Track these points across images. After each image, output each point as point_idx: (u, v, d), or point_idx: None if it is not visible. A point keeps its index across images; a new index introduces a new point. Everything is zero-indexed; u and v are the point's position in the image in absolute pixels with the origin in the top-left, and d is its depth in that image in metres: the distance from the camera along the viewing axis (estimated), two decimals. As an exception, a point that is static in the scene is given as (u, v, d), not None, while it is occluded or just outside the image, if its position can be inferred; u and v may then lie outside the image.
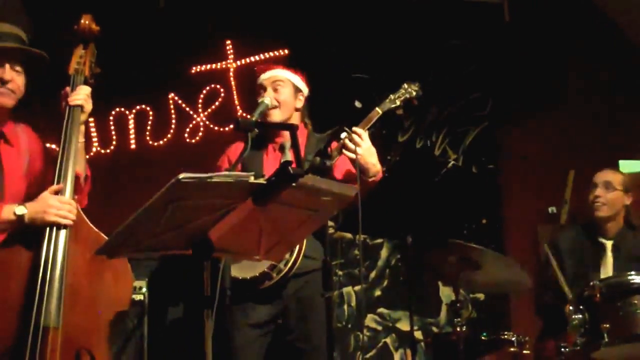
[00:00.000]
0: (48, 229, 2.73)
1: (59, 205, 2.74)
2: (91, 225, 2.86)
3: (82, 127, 2.99)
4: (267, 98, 3.38)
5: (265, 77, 3.63)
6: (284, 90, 3.60)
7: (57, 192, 2.80)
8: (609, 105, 5.88)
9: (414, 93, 3.52)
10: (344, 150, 3.32)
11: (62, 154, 2.87)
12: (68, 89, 3.01)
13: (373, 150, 3.38)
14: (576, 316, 3.58)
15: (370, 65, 5.76)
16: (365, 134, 3.34)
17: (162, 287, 4.55)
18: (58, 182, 2.82)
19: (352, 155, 3.28)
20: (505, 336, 3.95)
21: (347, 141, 3.30)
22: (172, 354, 4.54)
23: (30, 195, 2.92)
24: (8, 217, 2.71)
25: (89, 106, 3.00)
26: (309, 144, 3.60)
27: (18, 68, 2.90)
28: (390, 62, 5.62)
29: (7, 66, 2.86)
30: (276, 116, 3.56)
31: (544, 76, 5.88)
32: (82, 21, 3.11)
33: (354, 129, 3.34)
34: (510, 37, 5.90)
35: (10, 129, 2.96)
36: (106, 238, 2.74)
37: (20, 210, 2.72)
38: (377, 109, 3.47)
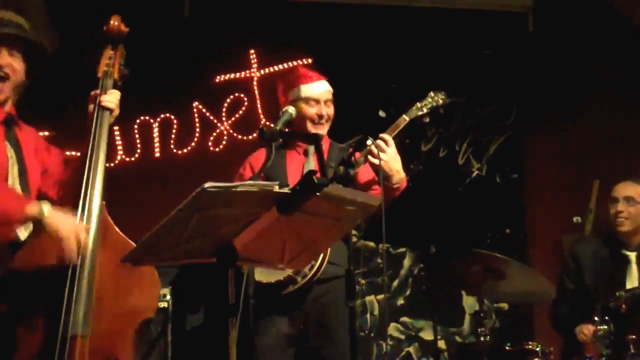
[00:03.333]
0: (82, 192, 2.73)
1: (75, 237, 2.66)
2: (119, 231, 2.83)
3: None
4: (292, 108, 3.39)
5: (320, 90, 3.60)
6: (332, 106, 3.63)
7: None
8: (634, 113, 5.83)
9: (441, 102, 3.54)
10: (369, 156, 3.33)
11: (90, 159, 2.82)
12: (97, 91, 2.97)
13: (398, 157, 3.38)
14: (602, 327, 3.56)
15: (393, 74, 5.76)
16: (391, 141, 3.35)
17: (186, 295, 4.57)
18: (85, 192, 2.76)
19: (377, 162, 3.29)
20: (530, 346, 3.93)
21: (372, 147, 3.31)
22: (196, 360, 4.56)
23: (46, 188, 2.93)
24: (33, 211, 2.65)
25: (117, 110, 2.98)
26: (331, 152, 3.62)
27: (15, 53, 2.85)
28: (413, 71, 5.62)
29: (4, 52, 2.82)
30: (324, 129, 3.60)
31: (568, 85, 5.84)
32: (111, 22, 3.09)
33: (381, 135, 3.35)
34: (534, 46, 5.88)
35: (17, 116, 2.94)
36: (133, 244, 2.73)
37: (47, 209, 2.66)
38: (404, 116, 3.48)
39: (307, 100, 3.57)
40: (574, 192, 5.76)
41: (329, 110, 3.60)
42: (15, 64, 2.84)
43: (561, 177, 5.84)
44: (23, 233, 2.68)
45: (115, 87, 3.02)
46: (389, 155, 3.32)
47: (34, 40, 2.90)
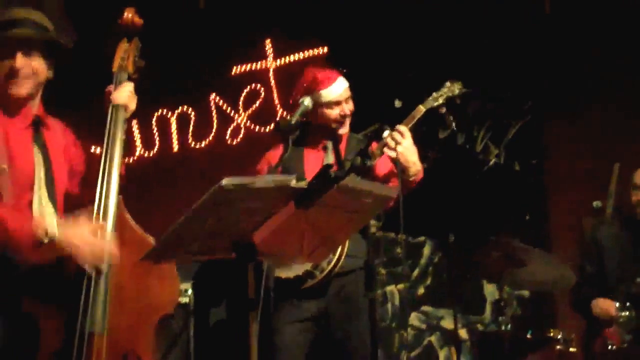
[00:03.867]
0: (97, 193, 2.71)
1: (94, 247, 2.63)
2: (136, 227, 2.82)
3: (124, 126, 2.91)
4: (308, 99, 3.37)
5: (339, 92, 3.55)
6: (351, 100, 3.61)
7: (101, 228, 2.68)
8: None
9: (457, 91, 3.53)
10: (385, 149, 3.33)
11: (105, 158, 2.81)
12: (111, 87, 2.95)
13: (414, 149, 3.38)
14: (623, 313, 3.54)
15: (409, 61, 5.73)
16: (407, 132, 3.35)
17: (207, 289, 4.60)
18: (101, 190, 2.75)
19: (393, 154, 3.28)
20: (552, 334, 3.92)
21: (389, 139, 3.31)
22: (218, 355, 4.58)
23: (70, 185, 2.92)
24: (38, 235, 2.60)
25: (132, 105, 2.93)
26: (349, 144, 3.62)
27: (34, 53, 2.77)
28: (429, 58, 5.58)
29: (19, 54, 2.74)
30: (346, 128, 3.58)
31: (586, 67, 5.78)
32: (125, 14, 3.05)
33: (397, 127, 3.35)
34: (551, 29, 5.83)
35: (43, 114, 2.90)
36: (150, 240, 2.75)
37: (52, 229, 2.62)
38: (420, 106, 3.47)
39: (329, 104, 3.53)
40: (594, 176, 5.72)
41: (350, 107, 3.59)
42: (35, 64, 2.79)
43: (581, 161, 5.79)
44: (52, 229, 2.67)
45: (130, 79, 2.99)
46: (405, 147, 3.32)
47: (53, 39, 2.86)
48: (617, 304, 3.63)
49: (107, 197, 2.77)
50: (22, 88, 2.77)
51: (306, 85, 3.57)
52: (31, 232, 2.61)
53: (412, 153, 3.36)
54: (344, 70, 3.72)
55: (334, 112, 3.54)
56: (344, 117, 3.55)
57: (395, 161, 3.29)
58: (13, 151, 2.73)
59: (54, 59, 2.86)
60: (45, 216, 2.74)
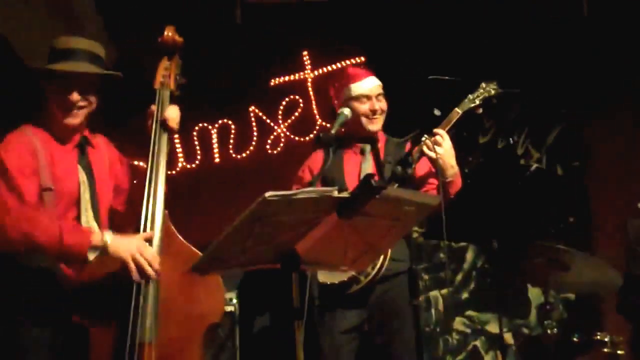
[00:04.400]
0: (143, 212, 2.78)
1: (143, 253, 2.71)
2: (182, 239, 2.88)
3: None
4: (347, 109, 3.41)
5: (370, 87, 3.64)
6: (384, 99, 3.65)
7: (147, 239, 2.77)
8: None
9: (493, 92, 3.54)
10: (424, 149, 3.35)
11: (150, 174, 2.87)
12: (153, 107, 3.00)
13: (452, 152, 3.41)
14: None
15: (447, 67, 5.71)
16: (445, 135, 3.37)
17: (252, 298, 4.64)
18: (145, 221, 2.82)
19: (433, 155, 3.32)
20: (598, 337, 3.89)
21: (428, 142, 3.34)
22: (264, 363, 4.62)
23: (115, 203, 2.99)
24: (97, 243, 2.69)
25: (177, 127, 3.01)
26: (388, 149, 3.64)
27: (88, 87, 2.85)
28: (467, 64, 5.57)
29: (76, 90, 2.82)
30: (379, 124, 3.63)
31: (626, 68, 5.73)
32: (166, 33, 3.11)
33: (435, 130, 3.38)
34: (589, 31, 5.78)
35: (90, 134, 2.98)
36: (197, 251, 2.79)
37: (108, 237, 2.70)
38: (456, 109, 3.49)
39: (358, 98, 3.60)
40: (637, 176, 5.66)
41: (381, 105, 3.63)
42: (91, 98, 2.87)
43: (623, 162, 5.73)
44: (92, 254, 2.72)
45: (172, 97, 3.05)
46: (444, 149, 3.35)
47: (111, 74, 2.92)
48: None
49: (153, 213, 2.84)
50: (77, 119, 2.85)
51: (339, 81, 3.67)
52: (89, 238, 2.68)
53: (450, 156, 3.39)
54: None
55: (363, 107, 3.59)
56: (374, 112, 3.59)
57: (434, 162, 3.33)
58: (58, 172, 2.81)
59: (103, 86, 2.93)
60: None
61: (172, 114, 2.99)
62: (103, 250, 2.68)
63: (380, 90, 3.65)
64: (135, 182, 3.08)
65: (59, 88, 2.82)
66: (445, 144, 3.36)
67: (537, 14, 5.78)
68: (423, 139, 3.39)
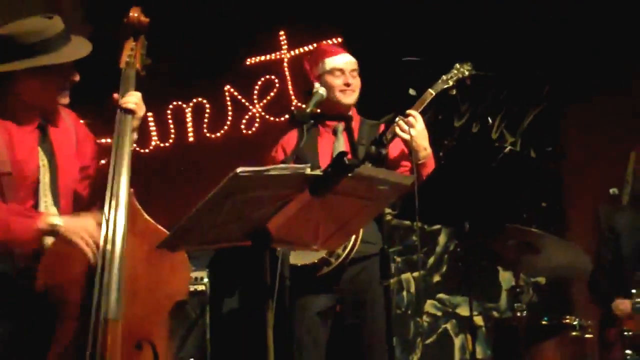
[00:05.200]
0: (105, 220, 2.74)
1: (92, 233, 2.70)
2: (148, 217, 2.88)
3: (135, 135, 2.94)
4: (323, 89, 3.40)
5: (344, 61, 3.66)
6: (358, 77, 3.65)
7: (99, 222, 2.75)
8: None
9: (467, 72, 3.54)
10: (397, 131, 3.35)
11: (114, 165, 2.83)
12: (116, 95, 2.98)
13: (425, 133, 3.41)
14: (639, 299, 3.54)
15: (424, 49, 5.71)
16: (419, 116, 3.37)
17: (223, 277, 4.63)
18: (110, 200, 2.78)
19: (406, 136, 3.31)
20: (567, 321, 3.92)
21: (401, 122, 3.33)
22: (234, 342, 4.62)
23: (80, 187, 2.96)
24: (43, 227, 2.68)
25: (141, 112, 2.96)
26: (362, 130, 3.64)
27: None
28: (445, 46, 5.56)
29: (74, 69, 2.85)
30: (351, 99, 3.64)
31: (603, 54, 5.75)
32: (131, 14, 3.12)
33: (408, 111, 3.38)
34: (569, 14, 5.79)
35: (55, 112, 2.95)
36: (163, 229, 2.81)
37: (57, 220, 2.70)
38: (429, 90, 3.49)
39: (332, 71, 3.62)
40: (610, 163, 5.70)
41: (354, 81, 3.63)
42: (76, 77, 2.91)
43: (597, 148, 5.77)
44: (57, 220, 2.71)
45: (137, 77, 3.04)
46: (416, 131, 3.34)
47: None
48: (634, 290, 3.62)
49: (117, 192, 2.80)
50: (67, 98, 2.88)
51: (314, 56, 3.69)
52: (35, 222, 2.68)
53: (423, 137, 3.40)
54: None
55: (337, 80, 3.59)
56: (347, 86, 3.58)
57: (407, 144, 3.33)
58: (18, 155, 2.77)
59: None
60: None
61: (129, 99, 2.94)
62: (52, 233, 2.68)
63: (355, 67, 3.66)
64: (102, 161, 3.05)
65: (59, 72, 2.81)
66: (418, 125, 3.36)
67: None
68: (396, 120, 3.38)
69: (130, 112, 2.92)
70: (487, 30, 5.69)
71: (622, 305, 3.97)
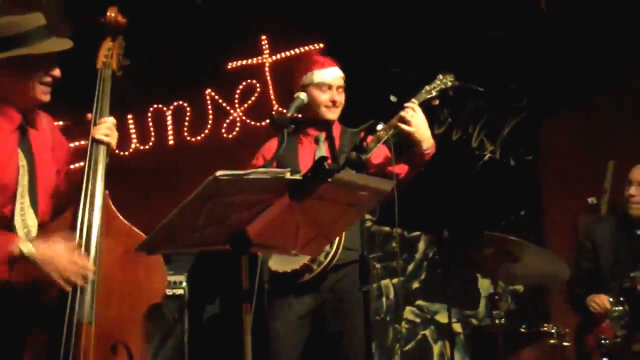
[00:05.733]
0: (79, 223, 2.71)
1: (68, 267, 2.61)
2: (123, 219, 2.85)
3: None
4: (304, 94, 3.40)
5: (333, 76, 3.61)
6: (343, 93, 3.64)
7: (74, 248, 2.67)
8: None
9: (449, 83, 3.53)
10: (399, 123, 3.33)
11: (84, 201, 2.77)
12: (90, 115, 2.92)
13: (426, 123, 3.41)
14: (616, 308, 3.56)
15: (406, 57, 5.73)
16: (418, 107, 3.37)
17: (202, 281, 4.60)
18: (85, 202, 2.75)
19: (410, 129, 3.32)
20: (545, 328, 3.94)
21: (404, 113, 3.33)
22: (212, 347, 4.60)
23: (58, 186, 2.92)
24: (12, 251, 2.59)
25: (114, 141, 2.91)
26: (343, 138, 3.63)
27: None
28: (426, 54, 5.59)
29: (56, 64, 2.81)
30: (335, 115, 3.61)
31: (582, 64, 5.80)
32: (109, 13, 3.10)
33: (407, 104, 3.38)
34: (547, 25, 5.83)
35: (33, 113, 2.89)
36: (138, 232, 2.79)
37: (27, 248, 2.60)
38: (413, 100, 3.48)
39: (319, 85, 3.58)
40: (589, 172, 5.74)
41: (340, 97, 3.61)
42: (56, 72, 2.84)
43: (576, 158, 5.81)
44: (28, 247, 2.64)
45: (114, 77, 3.02)
46: (419, 121, 3.34)
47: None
48: (611, 299, 3.65)
49: (93, 193, 2.78)
50: (48, 95, 2.82)
51: (304, 64, 3.64)
52: (7, 246, 2.60)
53: (425, 127, 3.40)
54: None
55: (323, 95, 3.57)
56: (333, 102, 3.57)
57: (411, 137, 3.30)
58: None
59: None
60: (27, 221, 2.74)
61: (101, 130, 2.89)
62: (25, 261, 2.59)
63: (342, 83, 3.63)
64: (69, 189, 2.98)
65: (39, 67, 2.76)
66: (419, 116, 3.36)
67: (496, 8, 5.81)
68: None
69: (104, 145, 2.88)
70: (467, 41, 5.72)
71: (598, 299, 4.00)
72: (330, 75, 3.60)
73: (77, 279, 2.63)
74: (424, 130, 3.39)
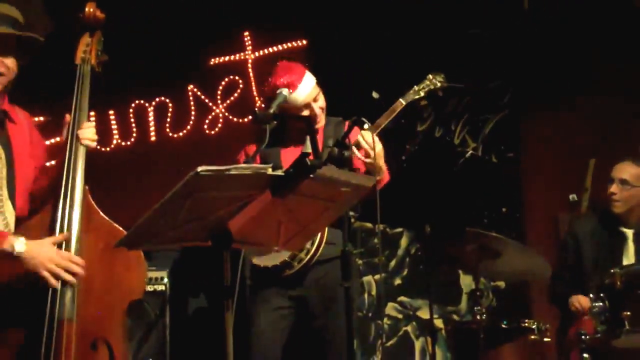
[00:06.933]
0: (59, 219, 2.71)
1: (58, 262, 2.63)
2: (103, 215, 2.85)
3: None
4: (285, 89, 3.35)
5: (306, 93, 3.42)
6: (322, 96, 3.52)
7: (61, 242, 2.70)
8: (632, 92, 5.82)
9: (439, 84, 3.51)
10: (355, 151, 3.25)
11: (64, 198, 2.77)
12: (68, 116, 2.92)
13: (382, 154, 3.34)
14: (597, 304, 3.58)
15: (388, 54, 5.74)
16: (376, 138, 3.30)
17: (184, 277, 4.60)
18: (64, 198, 2.74)
19: (369, 160, 3.26)
20: (526, 324, 3.96)
21: (360, 140, 3.28)
22: (194, 342, 4.59)
23: (36, 179, 2.90)
24: (5, 249, 2.60)
25: (94, 144, 2.92)
26: (327, 130, 3.59)
27: (7, 51, 2.78)
28: (408, 52, 5.60)
29: None
30: (322, 121, 3.52)
31: (564, 63, 5.83)
32: (87, 9, 3.10)
33: (364, 134, 3.27)
34: (530, 24, 5.86)
35: (10, 108, 2.89)
36: (118, 227, 2.79)
37: (20, 246, 2.61)
38: (400, 100, 3.45)
39: (297, 108, 3.44)
40: (570, 170, 5.77)
41: (321, 104, 3.50)
42: (7, 62, 2.79)
43: (557, 156, 5.84)
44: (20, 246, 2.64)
45: (93, 73, 3.01)
46: (376, 153, 3.26)
47: (29, 36, 2.84)
48: (591, 295, 3.67)
49: (72, 189, 2.77)
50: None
51: (274, 81, 3.43)
52: None
53: (380, 158, 3.33)
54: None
55: (306, 112, 3.46)
56: (315, 116, 3.48)
57: (366, 165, 3.29)
58: None
59: (25, 55, 2.86)
60: (6, 213, 2.74)
61: (87, 135, 2.90)
62: (14, 257, 2.60)
63: (318, 90, 3.49)
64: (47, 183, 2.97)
65: None
66: (377, 147, 3.28)
67: (478, 7, 5.83)
68: (365, 127, 3.32)
69: (85, 147, 2.88)
70: (449, 39, 5.73)
71: (581, 299, 4.03)
72: (304, 92, 3.42)
73: (65, 275, 2.63)
74: (379, 161, 3.31)
